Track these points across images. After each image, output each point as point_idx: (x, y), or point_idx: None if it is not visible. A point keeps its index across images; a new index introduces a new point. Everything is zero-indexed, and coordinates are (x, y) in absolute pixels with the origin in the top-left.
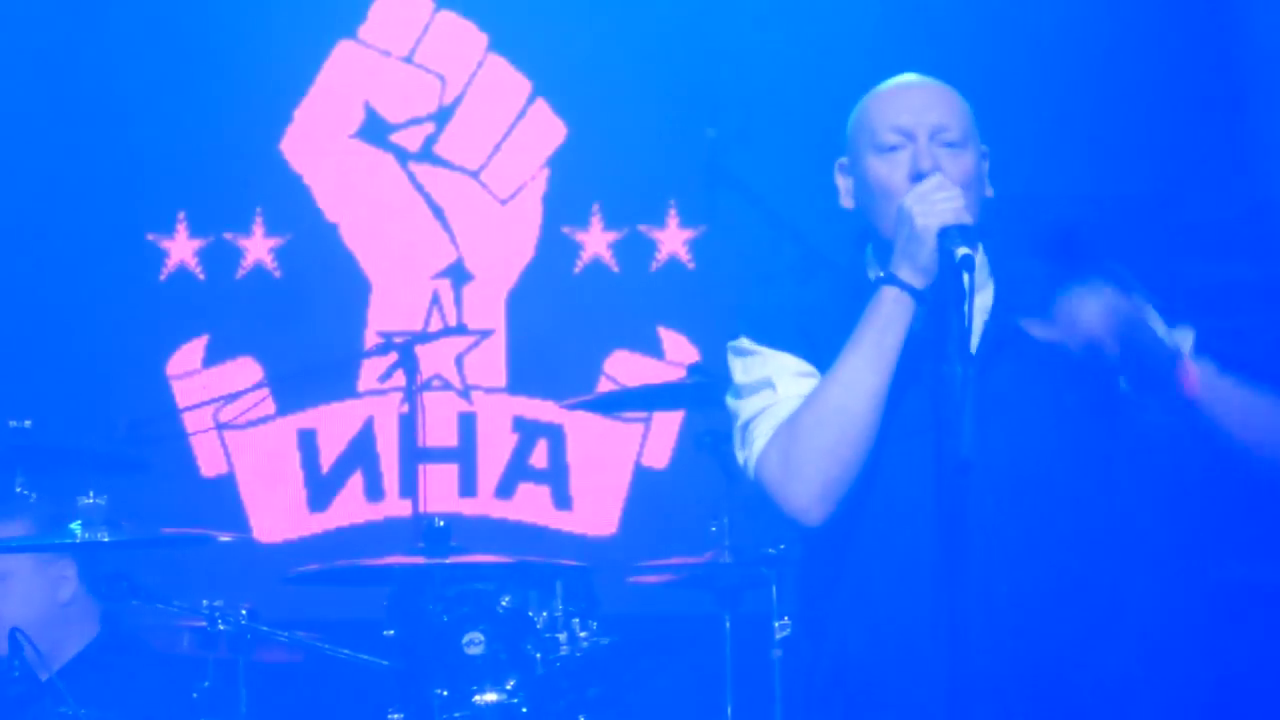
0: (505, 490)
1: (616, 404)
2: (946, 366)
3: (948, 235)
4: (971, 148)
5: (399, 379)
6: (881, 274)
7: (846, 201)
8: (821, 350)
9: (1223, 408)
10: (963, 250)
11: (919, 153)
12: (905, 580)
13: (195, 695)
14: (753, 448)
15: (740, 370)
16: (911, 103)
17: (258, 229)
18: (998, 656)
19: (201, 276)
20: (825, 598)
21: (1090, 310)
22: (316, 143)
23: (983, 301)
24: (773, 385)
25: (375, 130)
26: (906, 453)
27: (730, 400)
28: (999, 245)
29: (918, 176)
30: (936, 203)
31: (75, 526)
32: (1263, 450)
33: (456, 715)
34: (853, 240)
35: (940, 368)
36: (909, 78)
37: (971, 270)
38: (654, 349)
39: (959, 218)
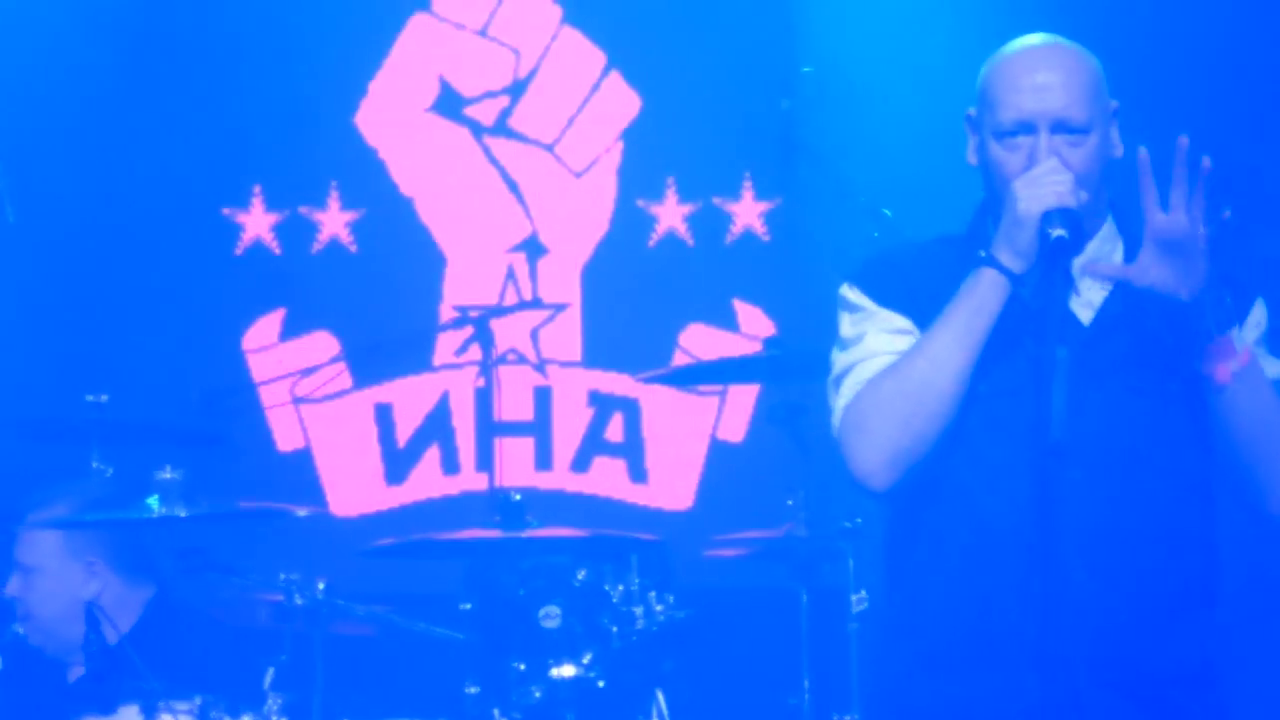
0: (581, 464)
1: (692, 377)
2: (1044, 347)
3: (1049, 219)
4: (1096, 130)
5: (474, 353)
6: (984, 254)
7: (971, 158)
8: (927, 314)
9: (1245, 409)
10: (1057, 232)
11: (1038, 149)
12: (991, 554)
13: (272, 669)
14: (838, 403)
15: (846, 323)
16: (1035, 86)
17: (333, 203)
18: (1083, 633)
19: (277, 251)
20: (910, 568)
21: (1170, 227)
22: (391, 116)
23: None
24: (865, 342)
25: (450, 104)
26: (1000, 428)
27: (833, 351)
28: (1132, 216)
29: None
30: (1043, 186)
31: (153, 501)
32: (1254, 477)
33: (533, 689)
34: (979, 208)
35: (1040, 347)
36: (1036, 45)
37: (1064, 253)
38: (729, 322)
39: (1063, 201)
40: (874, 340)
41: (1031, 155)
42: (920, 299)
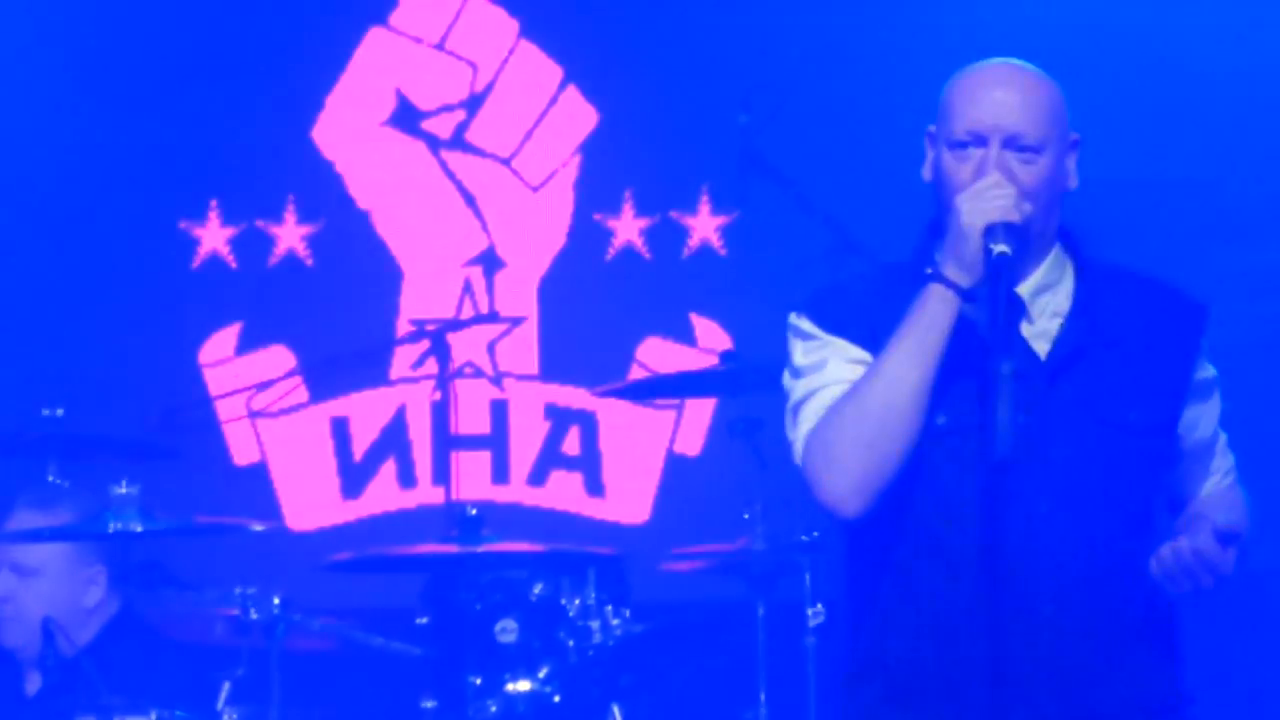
0: (538, 478)
1: (649, 391)
2: (990, 363)
3: (991, 233)
4: (1049, 152)
5: (431, 366)
6: (930, 270)
7: (926, 173)
8: (879, 340)
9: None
10: (999, 248)
11: (987, 161)
12: (945, 574)
13: (228, 683)
14: (798, 432)
15: (799, 352)
16: (992, 100)
17: (290, 217)
18: (1047, 664)
19: (234, 264)
20: (864, 587)
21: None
22: (348, 130)
23: (1057, 305)
24: (824, 370)
25: (407, 118)
26: (960, 461)
27: (786, 379)
28: (1081, 243)
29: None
30: (986, 200)
31: (108, 516)
32: None
33: (489, 703)
34: (926, 229)
35: (988, 364)
36: (997, 66)
37: (1005, 269)
38: (686, 336)
39: (1005, 215)
40: (831, 368)
41: (980, 167)
42: (872, 325)
